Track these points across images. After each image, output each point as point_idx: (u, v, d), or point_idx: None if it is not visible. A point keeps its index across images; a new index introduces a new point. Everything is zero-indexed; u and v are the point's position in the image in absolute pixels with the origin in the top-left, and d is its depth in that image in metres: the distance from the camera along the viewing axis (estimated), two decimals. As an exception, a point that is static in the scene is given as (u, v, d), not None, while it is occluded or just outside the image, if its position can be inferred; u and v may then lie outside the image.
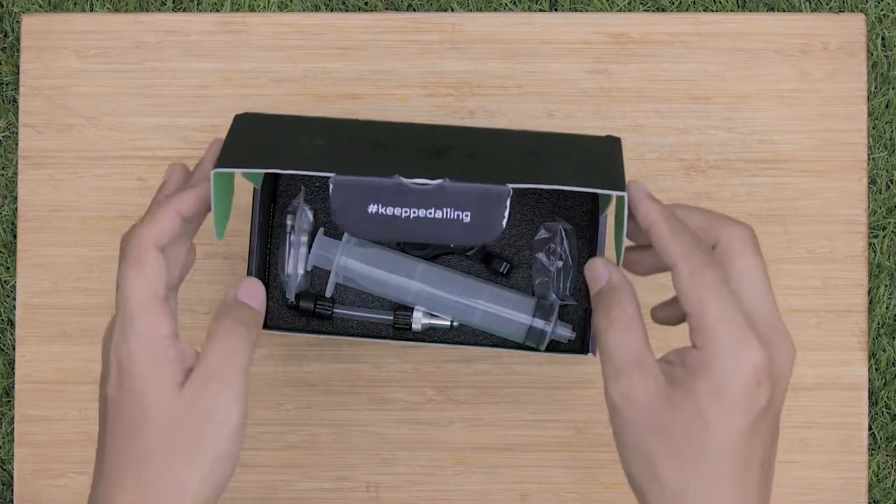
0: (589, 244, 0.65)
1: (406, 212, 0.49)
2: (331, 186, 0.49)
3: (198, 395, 0.48)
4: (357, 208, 0.49)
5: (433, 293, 0.62)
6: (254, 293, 0.50)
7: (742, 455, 0.45)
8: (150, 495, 0.48)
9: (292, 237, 0.64)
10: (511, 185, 0.50)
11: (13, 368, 0.72)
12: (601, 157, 0.53)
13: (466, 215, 0.50)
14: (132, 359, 0.48)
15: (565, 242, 0.64)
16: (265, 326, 0.65)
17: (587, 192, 0.65)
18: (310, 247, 0.63)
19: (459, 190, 0.49)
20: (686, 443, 0.45)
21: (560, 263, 0.64)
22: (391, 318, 0.64)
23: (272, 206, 0.65)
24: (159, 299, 0.49)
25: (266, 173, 0.61)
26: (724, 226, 0.48)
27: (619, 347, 0.46)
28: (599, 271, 0.49)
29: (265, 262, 0.64)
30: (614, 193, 0.49)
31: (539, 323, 0.62)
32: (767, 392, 0.45)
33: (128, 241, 0.50)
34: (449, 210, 0.50)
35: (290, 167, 0.50)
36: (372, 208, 0.49)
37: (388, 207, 0.49)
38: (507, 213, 0.50)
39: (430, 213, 0.49)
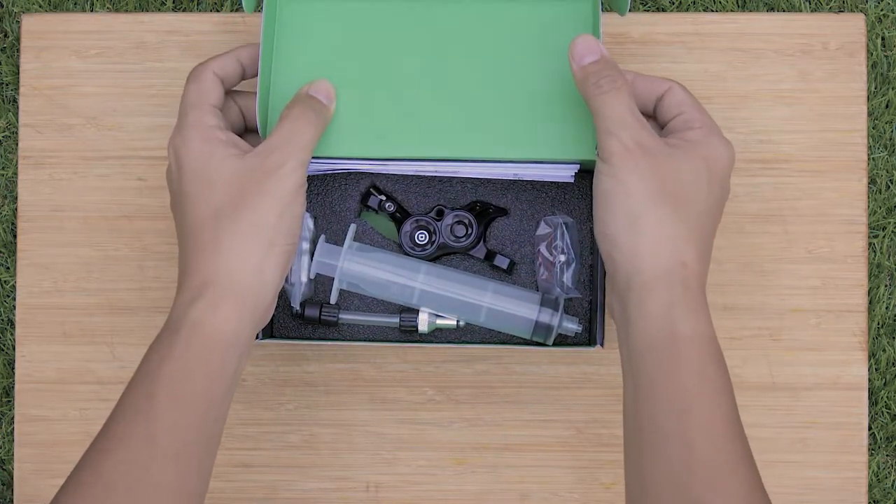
0: (590, 237, 0.65)
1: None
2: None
3: (262, 159, 0.55)
4: None
5: (438, 294, 0.62)
6: (323, 90, 0.59)
7: (707, 207, 0.55)
8: (222, 244, 0.53)
9: None
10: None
11: (13, 368, 0.72)
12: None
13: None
14: (186, 142, 0.55)
15: (566, 236, 0.64)
16: (271, 336, 0.65)
17: (585, 186, 0.65)
18: (312, 254, 0.63)
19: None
20: (684, 188, 0.55)
21: (563, 257, 0.64)
22: (397, 321, 0.64)
23: None
24: (210, 103, 0.56)
25: None
26: (662, 83, 0.58)
27: (618, 107, 0.54)
28: (592, 46, 0.56)
29: None
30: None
31: (545, 318, 0.62)
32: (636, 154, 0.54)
33: (194, 69, 0.58)
34: None
35: None
36: None
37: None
38: None
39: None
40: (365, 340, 0.66)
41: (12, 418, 0.75)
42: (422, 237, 0.65)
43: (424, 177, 0.66)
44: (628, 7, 0.60)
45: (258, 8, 0.62)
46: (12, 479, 0.71)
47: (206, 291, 0.53)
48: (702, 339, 0.52)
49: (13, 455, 0.70)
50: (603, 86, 0.55)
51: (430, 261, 0.65)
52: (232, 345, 0.53)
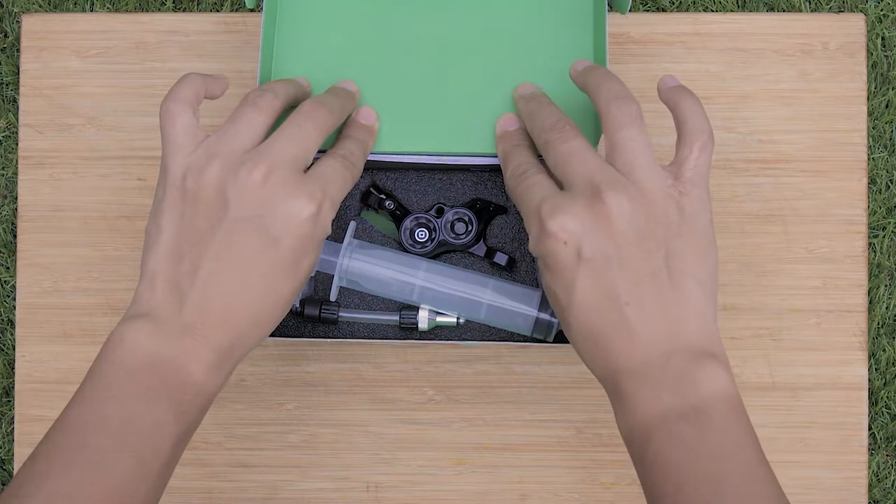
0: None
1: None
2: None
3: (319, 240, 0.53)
4: None
5: (438, 291, 0.62)
6: (369, 114, 0.60)
7: (594, 302, 0.50)
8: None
9: None
10: None
11: (13, 368, 0.72)
12: None
13: None
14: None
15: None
16: (270, 334, 0.65)
17: None
18: None
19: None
20: (558, 312, 0.52)
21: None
22: (397, 318, 0.64)
23: None
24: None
25: None
26: (607, 113, 0.52)
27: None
28: (509, 120, 0.59)
29: None
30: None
31: (546, 314, 0.62)
32: (574, 247, 0.50)
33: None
34: None
35: None
36: None
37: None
38: None
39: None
40: (365, 338, 0.66)
41: (12, 418, 0.75)
42: (422, 234, 0.65)
43: (424, 175, 0.66)
44: (629, 6, 0.60)
45: (258, 6, 0.62)
46: (12, 479, 0.71)
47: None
48: (726, 401, 0.49)
49: (13, 455, 0.70)
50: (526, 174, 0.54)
51: (430, 258, 0.65)
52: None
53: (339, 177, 0.53)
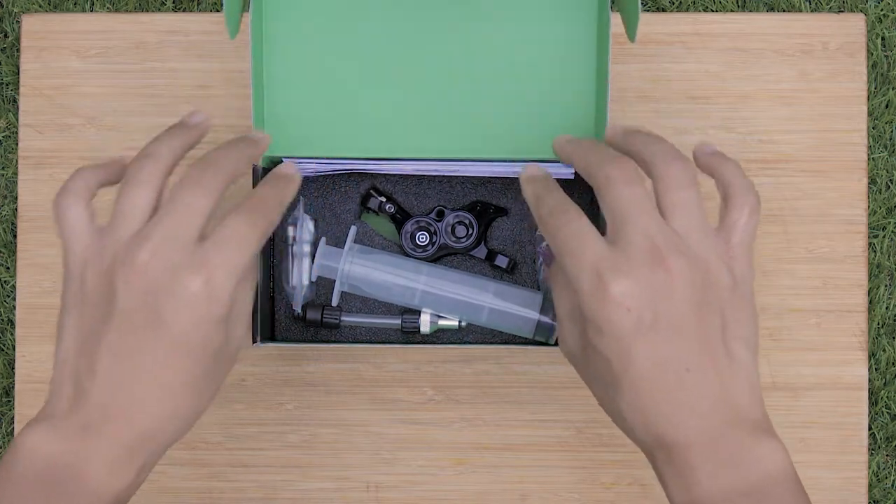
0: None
1: None
2: None
3: (232, 339, 0.51)
4: None
5: (439, 294, 0.62)
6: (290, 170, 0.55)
7: (654, 369, 0.48)
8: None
9: (295, 248, 0.64)
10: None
11: (13, 368, 0.71)
12: None
13: None
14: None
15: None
16: (273, 339, 0.65)
17: (586, 185, 0.65)
18: (313, 257, 0.63)
19: None
20: (602, 378, 0.50)
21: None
22: (399, 322, 0.64)
23: None
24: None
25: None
26: (662, 168, 0.50)
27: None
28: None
29: (269, 275, 0.64)
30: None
31: (547, 318, 0.62)
32: (637, 314, 0.47)
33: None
34: None
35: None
36: None
37: None
38: None
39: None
40: (367, 342, 0.66)
41: (12, 418, 0.75)
42: (423, 238, 0.65)
43: (424, 178, 0.66)
44: (636, 34, 0.58)
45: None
46: None
47: None
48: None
49: (13, 455, 0.70)
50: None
51: (431, 262, 0.65)
52: None
53: (237, 236, 0.48)
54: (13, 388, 0.71)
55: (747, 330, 0.50)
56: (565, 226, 0.50)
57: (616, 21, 0.60)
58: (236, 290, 0.48)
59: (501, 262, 0.65)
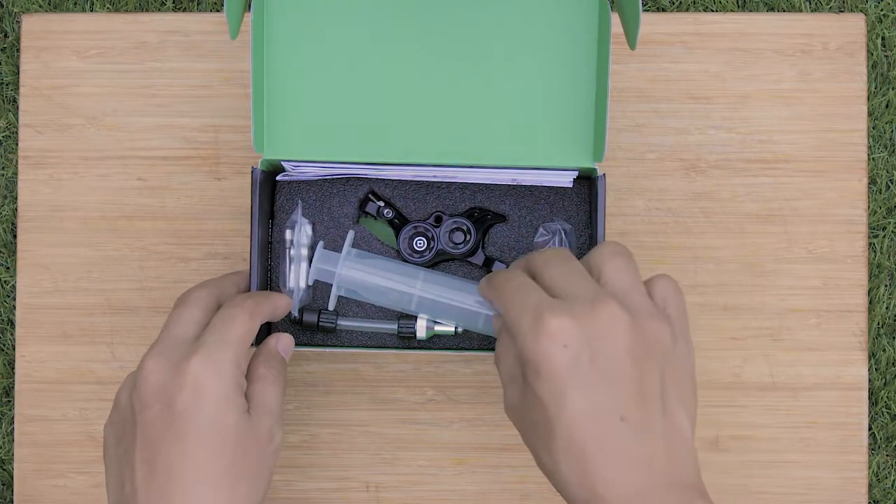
0: (588, 244, 0.65)
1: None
2: None
3: (258, 423, 0.53)
4: None
5: (436, 300, 0.62)
6: (288, 347, 0.59)
7: (589, 412, 0.46)
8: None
9: (292, 252, 0.64)
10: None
11: (13, 368, 0.72)
12: None
13: None
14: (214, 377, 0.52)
15: (565, 242, 0.64)
16: None
17: (584, 193, 0.65)
18: (310, 261, 0.63)
19: None
20: (537, 427, 0.48)
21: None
22: (395, 327, 0.64)
23: (270, 221, 0.65)
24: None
25: (263, 185, 0.61)
26: (595, 252, 0.52)
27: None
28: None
29: (266, 278, 0.64)
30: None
31: None
32: (574, 351, 0.46)
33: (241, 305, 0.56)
34: None
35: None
36: None
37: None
38: None
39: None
40: (363, 347, 0.65)
41: (12, 418, 0.75)
42: (420, 243, 0.65)
43: (423, 183, 0.66)
44: (636, 43, 0.58)
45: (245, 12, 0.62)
46: (12, 479, 0.71)
47: None
48: None
49: (13, 455, 0.70)
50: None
51: (428, 267, 0.65)
52: None
53: (228, 316, 0.53)
54: (13, 388, 0.71)
55: (686, 396, 0.48)
56: (509, 281, 0.51)
57: (616, 21, 0.61)
58: (253, 387, 0.54)
59: (499, 268, 0.65)
